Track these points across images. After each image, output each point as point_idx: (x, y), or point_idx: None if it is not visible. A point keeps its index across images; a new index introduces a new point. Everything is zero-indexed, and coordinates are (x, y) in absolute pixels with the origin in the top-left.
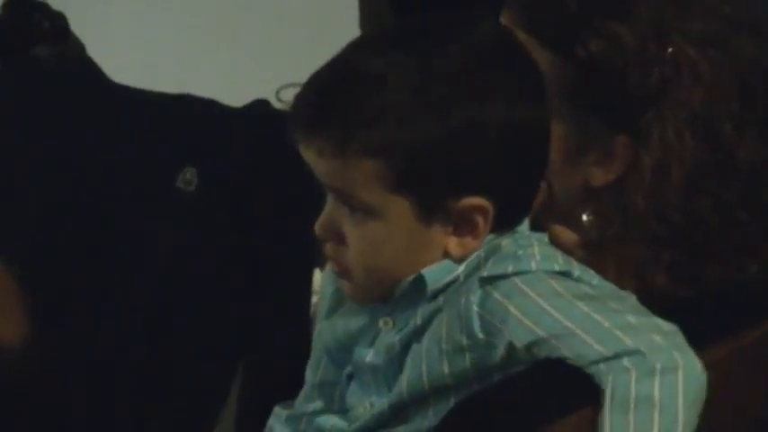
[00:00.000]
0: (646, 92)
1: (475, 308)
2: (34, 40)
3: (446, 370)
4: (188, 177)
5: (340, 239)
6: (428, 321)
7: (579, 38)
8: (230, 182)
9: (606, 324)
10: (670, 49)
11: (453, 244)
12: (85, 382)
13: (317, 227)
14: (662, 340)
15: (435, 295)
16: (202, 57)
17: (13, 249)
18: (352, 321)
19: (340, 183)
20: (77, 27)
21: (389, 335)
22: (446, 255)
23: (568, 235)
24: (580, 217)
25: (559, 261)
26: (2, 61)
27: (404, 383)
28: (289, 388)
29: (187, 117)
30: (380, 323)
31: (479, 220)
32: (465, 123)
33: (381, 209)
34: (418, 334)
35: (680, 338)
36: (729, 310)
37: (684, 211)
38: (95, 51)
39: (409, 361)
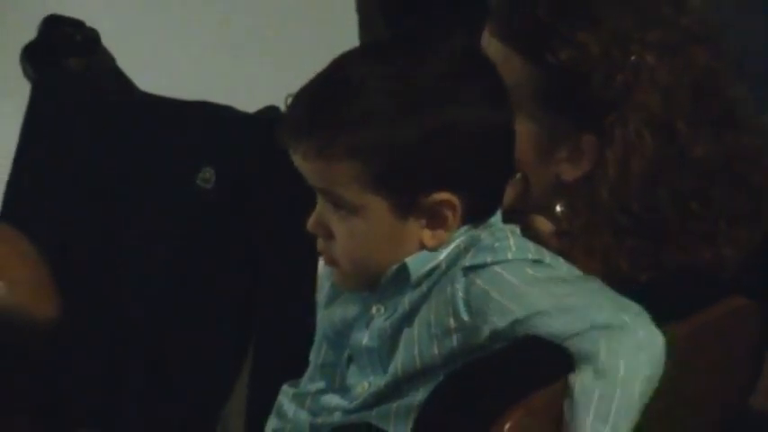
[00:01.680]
0: (609, 95)
1: (460, 294)
2: (67, 52)
3: (436, 351)
4: (206, 176)
5: (329, 234)
6: (415, 307)
7: (550, 46)
8: (244, 180)
9: (579, 304)
10: (632, 57)
11: (427, 236)
12: (106, 352)
13: (309, 224)
14: (629, 319)
15: (419, 282)
16: (219, 66)
17: (47, 239)
18: (347, 310)
19: (324, 183)
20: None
21: (381, 320)
22: (422, 246)
23: (545, 224)
24: (554, 208)
25: (532, 250)
26: (38, 71)
27: (398, 365)
28: (295, 368)
29: (206, 122)
30: (373, 310)
31: (448, 213)
32: (434, 128)
33: (362, 206)
34: (407, 318)
35: (645, 317)
36: (685, 293)
37: (644, 202)
38: (123, 62)
39: (402, 344)
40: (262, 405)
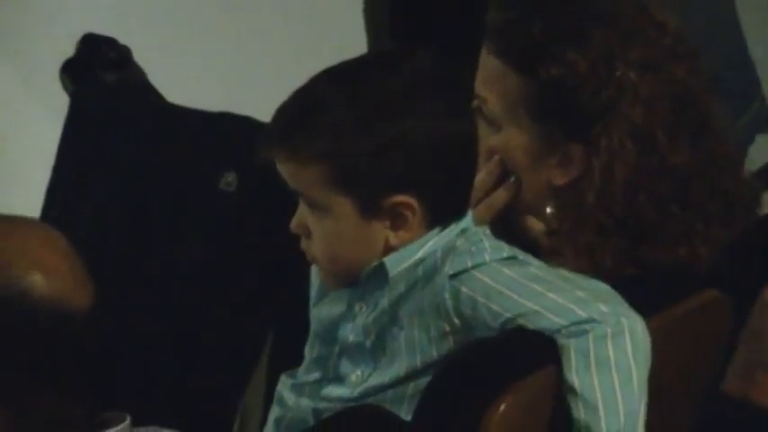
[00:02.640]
0: (596, 108)
1: (449, 303)
2: (102, 67)
3: (434, 352)
4: (229, 180)
5: (308, 234)
6: (394, 304)
7: (542, 63)
8: (263, 184)
9: (560, 300)
10: (617, 74)
11: (392, 237)
12: (138, 339)
13: (292, 224)
14: (608, 308)
15: (397, 281)
16: (240, 79)
17: (84, 235)
18: (333, 308)
19: (298, 185)
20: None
21: (363, 317)
22: (387, 247)
23: (537, 224)
24: (545, 210)
25: (505, 249)
26: (76, 84)
27: (402, 368)
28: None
29: (228, 130)
30: (356, 308)
31: (408, 214)
32: (389, 137)
33: (330, 207)
34: (388, 315)
35: (623, 304)
36: (663, 287)
37: (627, 205)
38: (153, 76)
39: (404, 349)
40: None
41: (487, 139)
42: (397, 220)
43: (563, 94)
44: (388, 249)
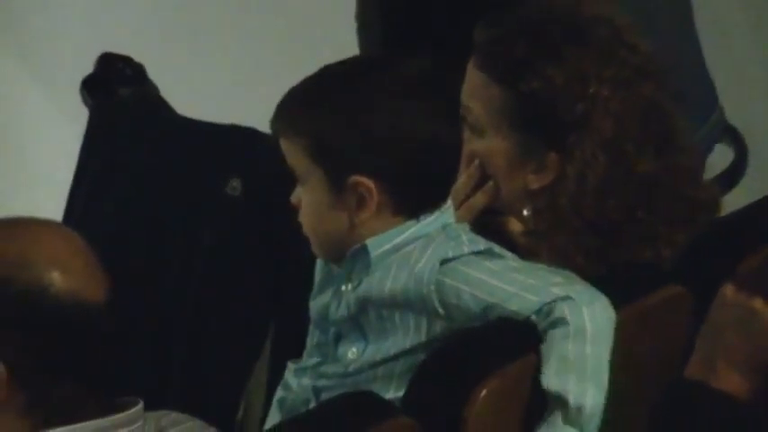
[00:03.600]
0: (570, 120)
1: (433, 293)
2: (119, 83)
3: (422, 336)
4: (234, 185)
5: (299, 204)
6: (376, 283)
7: (523, 77)
8: (265, 188)
9: (539, 284)
10: (590, 90)
11: (355, 216)
12: (148, 329)
13: (292, 197)
14: (582, 288)
15: (377, 261)
16: (245, 93)
17: (101, 235)
18: (326, 297)
19: (290, 158)
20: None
21: (348, 293)
22: (353, 225)
23: (515, 225)
24: (522, 212)
25: (482, 242)
26: (95, 99)
27: (392, 348)
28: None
29: (234, 140)
30: (343, 288)
31: (366, 195)
32: (361, 125)
33: (308, 178)
34: (374, 299)
35: (591, 287)
36: (630, 283)
37: (597, 209)
38: (165, 91)
39: (395, 331)
40: (279, 380)
41: (470, 144)
42: (359, 200)
43: (541, 106)
44: (355, 228)
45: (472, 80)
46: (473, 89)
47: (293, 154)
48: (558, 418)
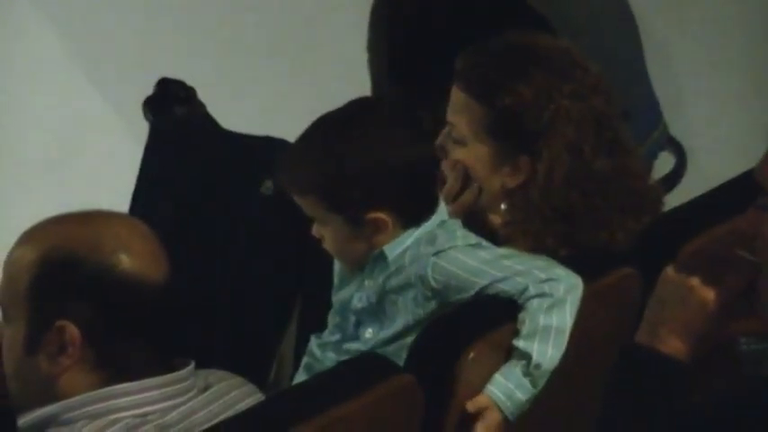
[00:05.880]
0: (538, 128)
1: (431, 274)
2: (174, 103)
3: (422, 312)
4: (268, 185)
5: (322, 238)
6: (391, 278)
7: (497, 94)
8: None
9: (525, 268)
10: (554, 103)
11: (376, 240)
12: (198, 307)
13: (313, 231)
14: (562, 271)
15: (394, 262)
16: (279, 109)
17: (159, 227)
18: (347, 291)
19: (306, 209)
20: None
21: (368, 288)
22: (372, 245)
23: (496, 218)
24: (500, 207)
25: (472, 237)
26: (155, 116)
27: (400, 324)
28: (324, 325)
29: (268, 148)
30: (365, 284)
31: (382, 225)
32: (361, 169)
33: (328, 222)
34: (388, 287)
35: (567, 270)
36: (590, 264)
37: (563, 200)
38: (211, 108)
39: (400, 309)
40: (304, 349)
41: (455, 153)
42: (377, 228)
43: (513, 118)
44: (374, 248)
45: (455, 100)
46: (456, 107)
47: (307, 207)
48: (517, 368)
